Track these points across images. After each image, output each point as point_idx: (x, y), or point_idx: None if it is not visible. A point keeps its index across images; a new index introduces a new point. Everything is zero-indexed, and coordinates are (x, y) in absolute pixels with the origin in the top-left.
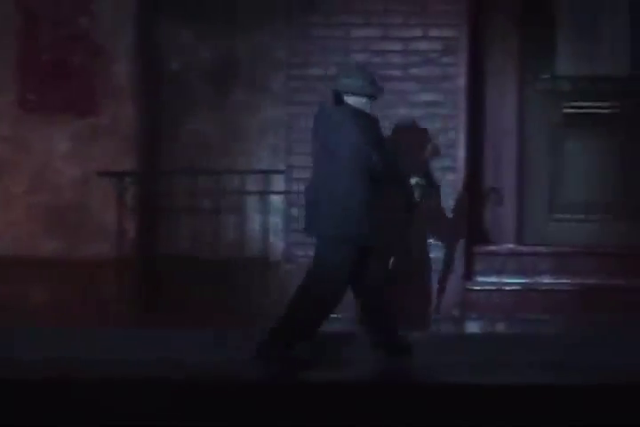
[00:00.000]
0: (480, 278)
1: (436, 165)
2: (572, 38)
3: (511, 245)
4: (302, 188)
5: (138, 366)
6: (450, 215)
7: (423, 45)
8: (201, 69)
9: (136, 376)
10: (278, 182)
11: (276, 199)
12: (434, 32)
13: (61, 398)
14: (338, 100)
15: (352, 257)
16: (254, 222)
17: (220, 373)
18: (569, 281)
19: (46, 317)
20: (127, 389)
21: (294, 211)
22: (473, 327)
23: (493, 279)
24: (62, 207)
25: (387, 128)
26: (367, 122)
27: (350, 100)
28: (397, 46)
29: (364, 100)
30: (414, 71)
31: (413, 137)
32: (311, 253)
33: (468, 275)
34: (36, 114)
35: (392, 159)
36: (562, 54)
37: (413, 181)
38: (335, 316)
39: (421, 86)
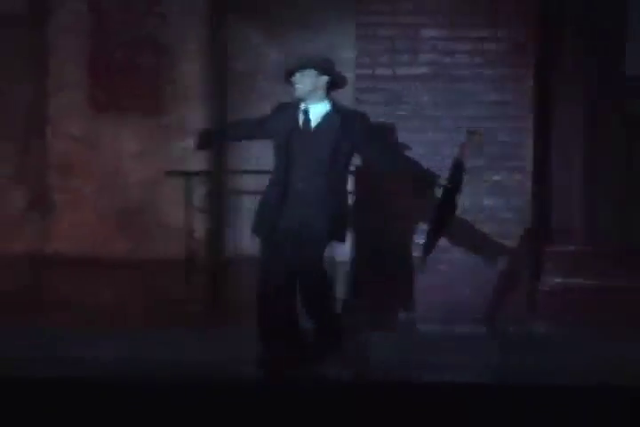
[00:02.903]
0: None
1: (503, 164)
2: None
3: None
4: None
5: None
6: (516, 215)
7: (492, 46)
8: (268, 70)
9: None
10: None
11: None
12: (502, 32)
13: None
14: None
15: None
16: None
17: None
18: None
19: (115, 317)
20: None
21: None
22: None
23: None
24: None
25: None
26: None
27: None
28: (466, 46)
29: None
30: (482, 71)
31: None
32: None
33: (537, 275)
34: (105, 113)
35: None
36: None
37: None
38: None
39: (489, 86)
